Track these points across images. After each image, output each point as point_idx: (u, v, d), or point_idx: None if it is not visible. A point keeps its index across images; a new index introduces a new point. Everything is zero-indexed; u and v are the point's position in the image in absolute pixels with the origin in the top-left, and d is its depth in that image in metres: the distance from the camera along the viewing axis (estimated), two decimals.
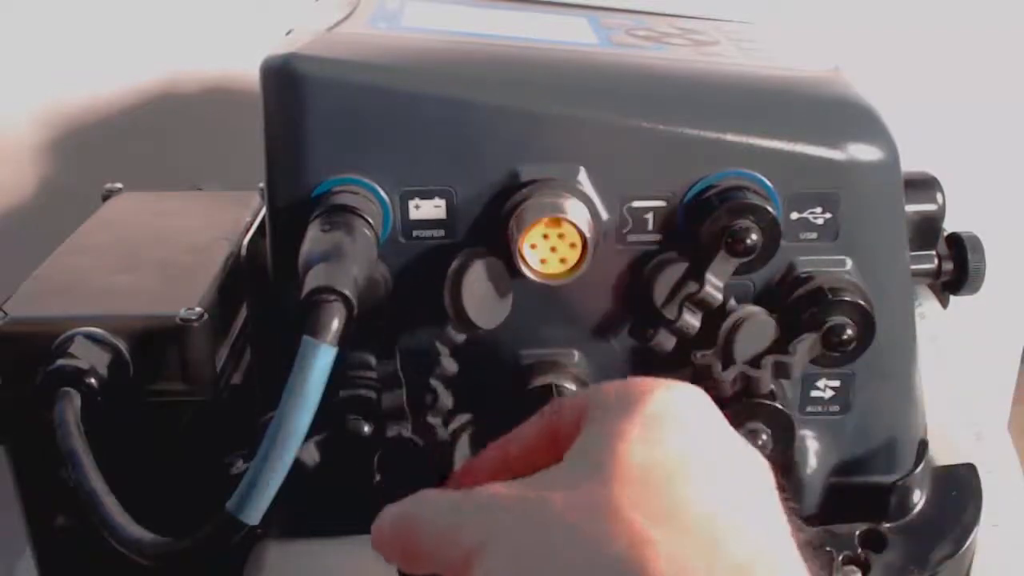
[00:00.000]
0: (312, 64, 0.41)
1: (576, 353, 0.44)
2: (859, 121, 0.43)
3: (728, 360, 0.42)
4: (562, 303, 0.43)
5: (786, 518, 0.30)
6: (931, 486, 0.48)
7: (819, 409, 0.45)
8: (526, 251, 0.40)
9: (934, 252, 0.50)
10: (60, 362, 0.42)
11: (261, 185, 0.45)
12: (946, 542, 0.46)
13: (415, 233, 0.42)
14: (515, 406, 0.43)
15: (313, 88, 0.41)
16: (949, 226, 0.50)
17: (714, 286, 0.41)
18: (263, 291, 0.44)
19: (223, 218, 0.55)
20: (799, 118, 0.43)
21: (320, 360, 0.35)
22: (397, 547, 0.33)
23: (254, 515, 0.35)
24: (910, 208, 0.46)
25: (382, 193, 0.41)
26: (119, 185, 0.60)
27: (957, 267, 0.50)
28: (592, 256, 0.40)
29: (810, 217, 0.43)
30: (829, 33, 0.55)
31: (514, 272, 0.40)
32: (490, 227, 0.41)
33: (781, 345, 0.42)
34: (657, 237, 0.43)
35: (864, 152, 0.42)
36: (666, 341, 0.43)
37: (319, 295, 0.35)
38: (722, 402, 0.41)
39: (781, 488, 0.31)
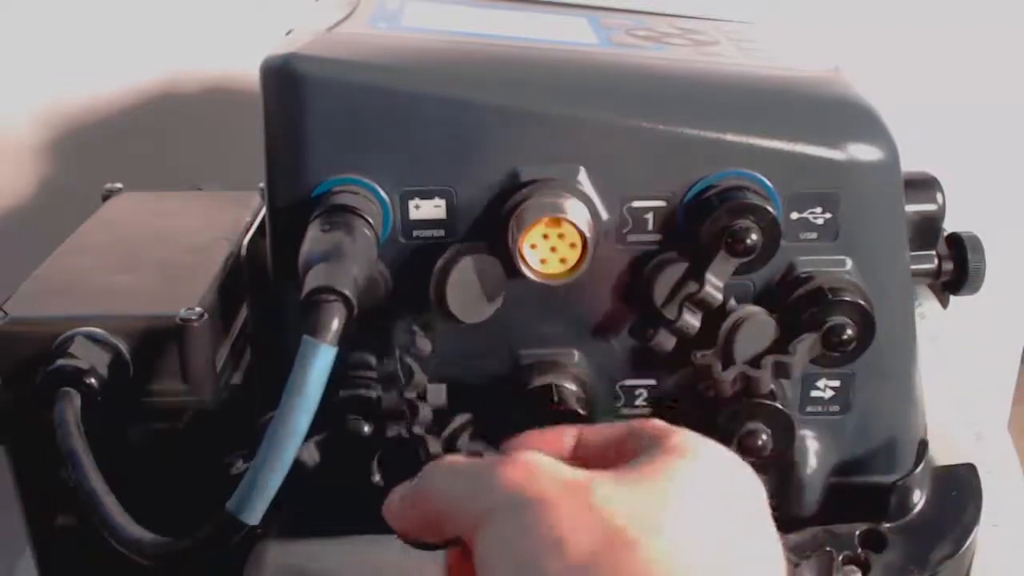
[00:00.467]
0: (312, 64, 0.41)
1: (576, 353, 0.44)
2: (859, 121, 0.43)
3: (728, 360, 0.42)
4: (562, 303, 0.43)
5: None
6: (931, 486, 0.48)
7: (819, 409, 0.45)
8: (526, 251, 0.40)
9: (934, 252, 0.50)
10: (60, 362, 0.42)
11: (261, 185, 0.45)
12: (946, 542, 0.46)
13: (415, 233, 0.42)
14: (515, 406, 0.43)
15: (313, 88, 0.41)
16: (949, 226, 0.50)
17: (714, 286, 0.41)
18: (263, 291, 0.44)
19: (223, 218, 0.55)
20: (799, 118, 0.43)
21: (320, 360, 0.35)
22: (413, 514, 0.34)
23: (254, 515, 0.35)
24: (910, 208, 0.46)
25: (382, 193, 0.41)
26: (119, 185, 0.60)
27: (957, 267, 0.50)
28: (592, 256, 0.40)
29: (810, 217, 0.43)
30: (829, 33, 0.55)
31: (514, 272, 0.40)
32: (490, 227, 0.41)
33: (781, 345, 0.42)
34: (657, 237, 0.43)
35: (864, 152, 0.42)
36: (666, 341, 0.43)
37: (319, 295, 0.35)
38: (722, 402, 0.42)
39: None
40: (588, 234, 0.40)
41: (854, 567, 0.45)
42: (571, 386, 0.43)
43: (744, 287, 0.43)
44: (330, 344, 0.35)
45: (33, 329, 0.44)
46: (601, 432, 0.35)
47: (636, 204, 0.42)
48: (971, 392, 0.58)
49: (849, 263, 0.43)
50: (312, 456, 0.42)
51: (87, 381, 0.42)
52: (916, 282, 0.50)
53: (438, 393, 0.44)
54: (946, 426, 0.53)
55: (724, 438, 0.39)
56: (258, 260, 0.45)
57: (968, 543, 0.46)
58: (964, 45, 0.82)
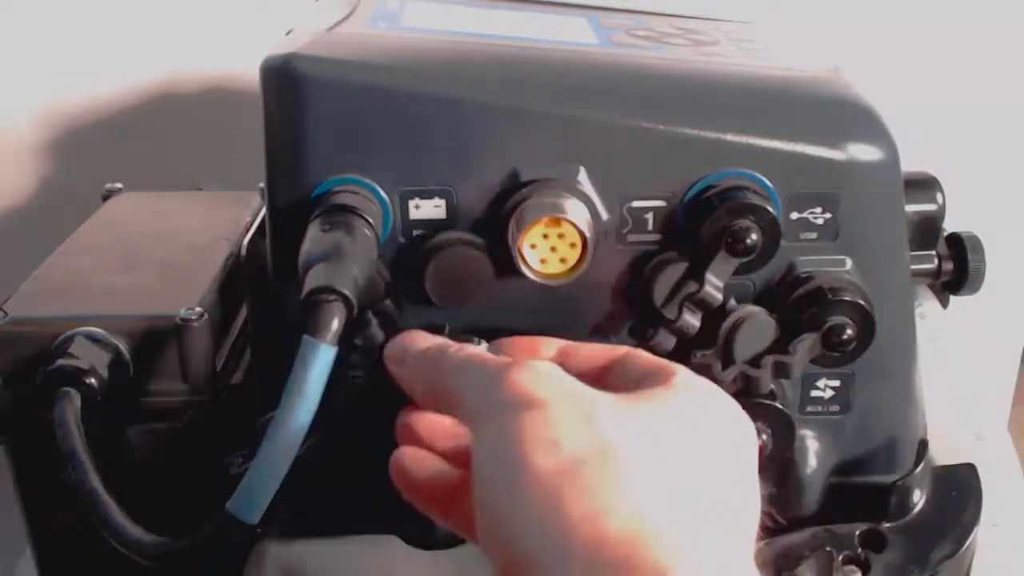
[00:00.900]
0: (312, 64, 0.41)
1: None
2: (859, 121, 0.43)
3: (728, 360, 0.42)
4: (562, 303, 0.43)
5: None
6: (931, 486, 0.48)
7: (819, 409, 0.45)
8: (526, 251, 0.40)
9: (934, 252, 0.50)
10: (60, 362, 0.42)
11: (261, 185, 0.45)
12: (946, 542, 0.46)
13: (415, 233, 0.42)
14: None
15: (313, 88, 0.41)
16: (949, 226, 0.50)
17: (714, 286, 0.41)
18: (263, 291, 0.44)
19: (223, 218, 0.55)
20: (799, 118, 0.43)
21: (320, 360, 0.35)
22: (423, 377, 0.36)
23: (254, 515, 0.35)
24: (910, 208, 0.46)
25: (382, 193, 0.41)
26: (119, 185, 0.60)
27: (957, 267, 0.50)
28: (592, 256, 0.40)
29: (810, 217, 0.43)
30: (829, 33, 0.55)
31: (514, 272, 0.40)
32: (490, 227, 0.41)
33: (781, 345, 0.42)
34: (657, 237, 0.43)
35: (864, 152, 0.42)
36: (666, 341, 0.43)
37: (319, 295, 0.36)
38: None
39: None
40: (588, 234, 0.40)
41: (854, 567, 0.45)
42: None
43: (744, 287, 0.43)
44: (330, 344, 0.35)
45: (33, 329, 0.44)
46: (590, 354, 0.37)
47: (636, 204, 0.42)
48: (971, 392, 0.58)
49: (849, 263, 0.43)
50: (312, 456, 0.42)
51: (87, 381, 0.42)
52: (916, 282, 0.50)
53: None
54: (946, 426, 0.53)
55: None
56: (258, 260, 0.45)
57: (968, 543, 0.46)
58: (964, 45, 0.82)
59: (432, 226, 0.42)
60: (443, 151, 0.41)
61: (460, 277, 0.41)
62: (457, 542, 0.42)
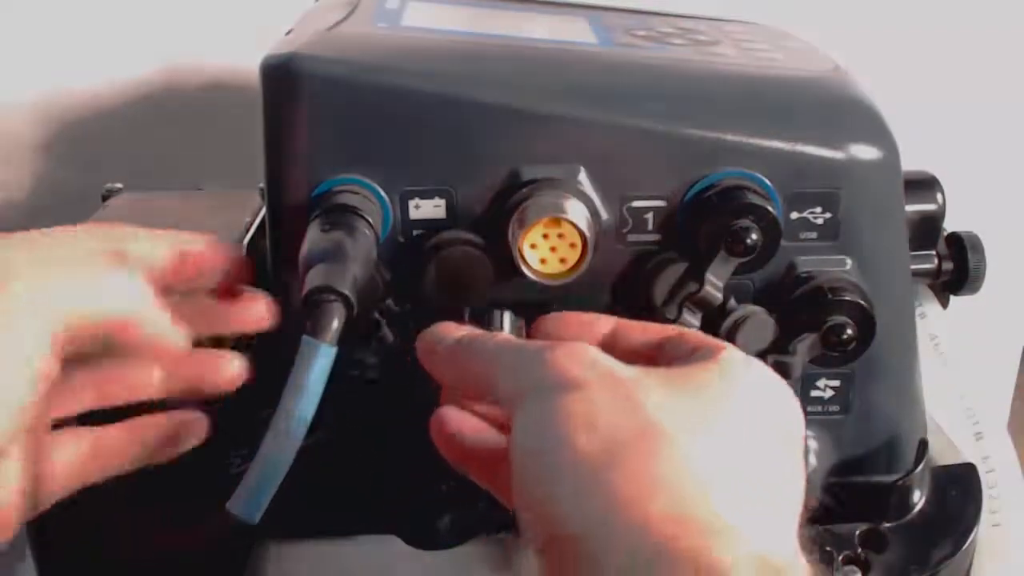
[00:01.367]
0: (312, 63, 0.41)
1: None
2: (859, 121, 0.43)
3: None
4: (562, 303, 0.43)
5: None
6: (931, 486, 0.48)
7: (819, 409, 0.45)
8: (526, 251, 0.40)
9: (934, 252, 0.50)
10: None
11: (261, 185, 0.45)
12: (946, 542, 0.46)
13: (415, 233, 0.42)
14: None
15: (313, 87, 0.41)
16: (949, 226, 0.50)
17: (714, 286, 0.41)
18: (263, 291, 0.44)
19: (223, 218, 0.55)
20: (799, 118, 0.43)
21: (320, 360, 0.35)
22: (458, 365, 0.35)
23: (254, 515, 0.35)
24: (910, 208, 0.46)
25: (382, 193, 0.41)
26: (119, 185, 0.60)
27: (957, 267, 0.50)
28: (592, 256, 0.40)
29: (810, 217, 0.43)
30: (829, 33, 0.55)
31: (514, 272, 0.40)
32: (490, 227, 0.41)
33: (781, 345, 0.42)
34: (657, 237, 0.43)
35: (864, 152, 0.42)
36: None
37: (319, 295, 0.35)
38: None
39: None
40: (588, 234, 0.40)
41: (854, 567, 0.45)
42: None
43: (744, 287, 0.43)
44: (330, 344, 0.35)
45: None
46: (643, 330, 0.37)
47: (636, 204, 0.42)
48: (971, 392, 0.58)
49: (849, 263, 0.43)
50: (312, 456, 0.42)
51: None
52: (916, 282, 0.50)
53: None
54: (946, 426, 0.53)
55: None
56: (258, 260, 0.45)
57: (968, 543, 0.47)
58: (964, 45, 0.82)
59: (432, 226, 0.42)
60: (443, 151, 0.41)
61: (460, 277, 0.41)
62: (457, 542, 0.42)
